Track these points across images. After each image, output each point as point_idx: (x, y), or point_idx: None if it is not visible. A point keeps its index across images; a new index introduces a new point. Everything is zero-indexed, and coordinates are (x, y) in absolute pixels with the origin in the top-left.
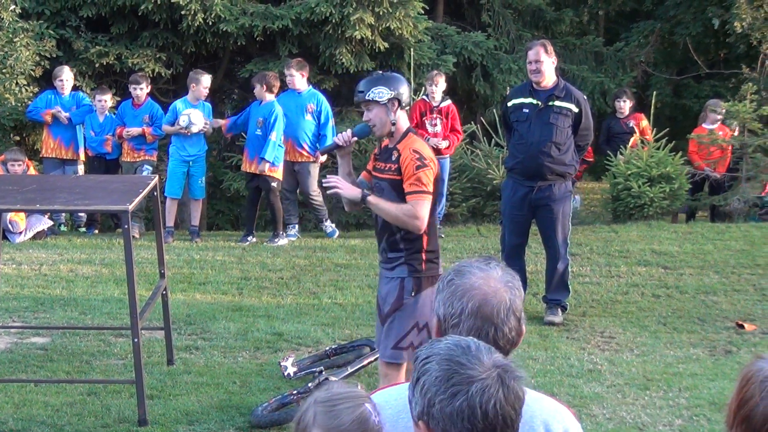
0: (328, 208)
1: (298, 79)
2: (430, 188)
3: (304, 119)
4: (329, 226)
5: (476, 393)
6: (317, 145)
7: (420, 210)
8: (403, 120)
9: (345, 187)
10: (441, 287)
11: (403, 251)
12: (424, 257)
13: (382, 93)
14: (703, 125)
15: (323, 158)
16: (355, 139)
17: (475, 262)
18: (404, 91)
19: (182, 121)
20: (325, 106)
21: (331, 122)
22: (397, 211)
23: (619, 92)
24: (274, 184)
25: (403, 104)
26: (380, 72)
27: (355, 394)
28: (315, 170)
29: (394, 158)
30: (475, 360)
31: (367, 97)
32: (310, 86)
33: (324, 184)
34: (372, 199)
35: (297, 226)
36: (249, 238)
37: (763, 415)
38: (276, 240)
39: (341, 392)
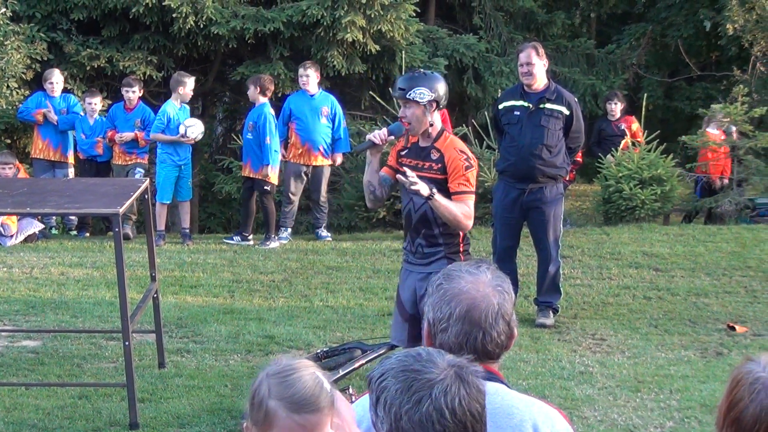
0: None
1: (313, 80)
2: (474, 188)
3: (319, 122)
4: (325, 232)
5: (439, 394)
6: (332, 147)
7: (472, 208)
8: (437, 120)
9: (419, 184)
10: (431, 291)
11: (442, 246)
12: (461, 250)
13: (423, 94)
14: (708, 130)
15: (339, 161)
16: (392, 137)
17: (465, 265)
18: (443, 92)
19: (191, 132)
20: (339, 109)
21: (344, 124)
22: (457, 210)
23: (610, 95)
24: (267, 187)
25: (441, 105)
26: (421, 70)
27: (305, 364)
28: (328, 174)
29: (434, 157)
30: (430, 364)
31: (408, 96)
32: (321, 88)
33: (408, 178)
34: (438, 197)
35: (290, 229)
36: (236, 238)
37: (753, 417)
38: (267, 243)
39: (291, 363)
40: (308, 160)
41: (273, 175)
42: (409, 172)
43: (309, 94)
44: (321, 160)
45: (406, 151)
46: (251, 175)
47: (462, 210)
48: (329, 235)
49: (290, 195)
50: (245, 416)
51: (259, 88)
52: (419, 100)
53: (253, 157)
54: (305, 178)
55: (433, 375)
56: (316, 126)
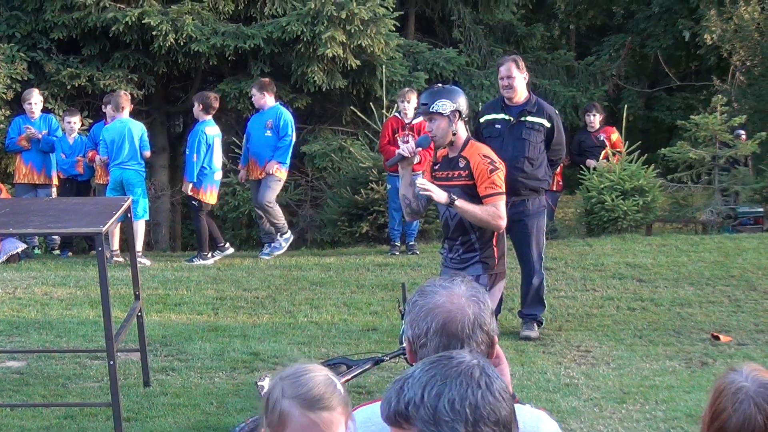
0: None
1: (259, 98)
2: (504, 188)
3: (263, 136)
4: (281, 242)
5: (474, 374)
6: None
7: (501, 210)
8: (462, 130)
9: (435, 190)
10: (408, 309)
11: (477, 251)
12: (496, 254)
13: (445, 106)
14: None
15: (272, 169)
16: (420, 149)
17: (439, 280)
18: (464, 103)
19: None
20: (285, 119)
21: (291, 137)
22: (482, 213)
23: (589, 106)
24: (196, 203)
25: (464, 115)
26: (440, 85)
27: (317, 366)
28: (275, 184)
29: (462, 165)
30: (459, 355)
31: (431, 110)
32: (278, 103)
33: (418, 185)
34: (459, 202)
35: (288, 232)
36: (214, 253)
37: (736, 427)
38: (195, 260)
39: (303, 366)
40: (256, 175)
41: (204, 193)
42: (419, 180)
43: (262, 111)
44: (261, 173)
45: (438, 165)
46: (190, 193)
47: (488, 211)
48: (286, 242)
49: (266, 205)
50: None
51: (202, 106)
52: (442, 112)
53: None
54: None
55: (465, 359)
56: (260, 139)
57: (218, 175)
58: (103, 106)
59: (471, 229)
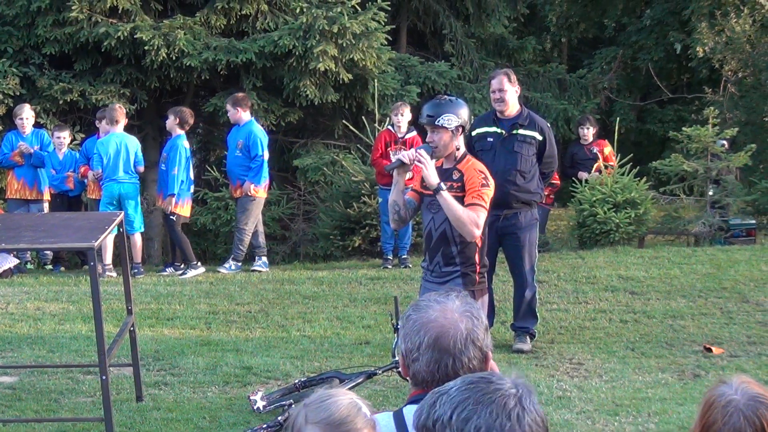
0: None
1: (234, 114)
2: (488, 206)
3: (233, 155)
4: (233, 265)
5: (515, 401)
6: (245, 177)
7: (480, 219)
8: (462, 143)
9: (430, 168)
10: (402, 323)
11: (459, 265)
12: (477, 270)
13: (451, 120)
14: None
15: (249, 190)
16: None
17: (433, 295)
18: (467, 117)
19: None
20: (254, 138)
21: (263, 156)
22: (462, 212)
23: (582, 119)
24: (173, 217)
25: (466, 130)
26: (446, 97)
27: (342, 391)
28: (250, 205)
29: (456, 177)
30: (499, 379)
31: (436, 123)
32: (252, 119)
33: (417, 153)
34: (445, 193)
35: (265, 257)
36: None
37: None
38: (187, 272)
39: (327, 392)
40: (232, 192)
41: (181, 206)
42: (419, 152)
43: (238, 127)
44: (239, 192)
45: None
46: (163, 207)
47: (469, 214)
48: (229, 269)
49: (240, 227)
50: None
51: (178, 119)
52: (447, 126)
53: (164, 188)
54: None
55: (505, 385)
56: (232, 158)
57: (192, 188)
58: (96, 121)
59: (453, 241)
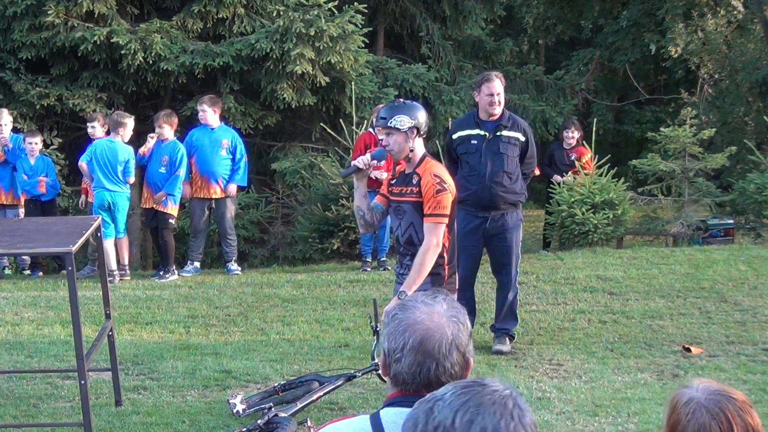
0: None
1: (210, 115)
2: (448, 211)
3: (218, 155)
4: (235, 266)
5: (509, 404)
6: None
7: (437, 234)
8: (419, 146)
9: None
10: (387, 322)
11: None
12: (446, 269)
13: (403, 121)
14: None
15: (233, 192)
16: (375, 162)
17: (421, 296)
18: (423, 119)
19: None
20: (240, 143)
21: (245, 159)
22: (422, 265)
23: (568, 123)
24: (171, 221)
25: (422, 132)
26: (402, 100)
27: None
28: (232, 206)
29: (414, 182)
30: (492, 382)
31: (389, 124)
32: (222, 122)
33: (370, 160)
34: (408, 292)
35: (197, 263)
36: (169, 275)
37: None
38: (167, 276)
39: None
40: (208, 193)
41: (174, 207)
42: (363, 158)
43: (210, 127)
44: (221, 193)
45: (394, 180)
46: (156, 207)
47: (426, 256)
48: (239, 269)
49: (196, 229)
50: None
51: (172, 125)
52: (399, 127)
53: (162, 188)
54: (208, 213)
55: (499, 387)
56: (215, 158)
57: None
58: (89, 126)
59: (419, 243)
